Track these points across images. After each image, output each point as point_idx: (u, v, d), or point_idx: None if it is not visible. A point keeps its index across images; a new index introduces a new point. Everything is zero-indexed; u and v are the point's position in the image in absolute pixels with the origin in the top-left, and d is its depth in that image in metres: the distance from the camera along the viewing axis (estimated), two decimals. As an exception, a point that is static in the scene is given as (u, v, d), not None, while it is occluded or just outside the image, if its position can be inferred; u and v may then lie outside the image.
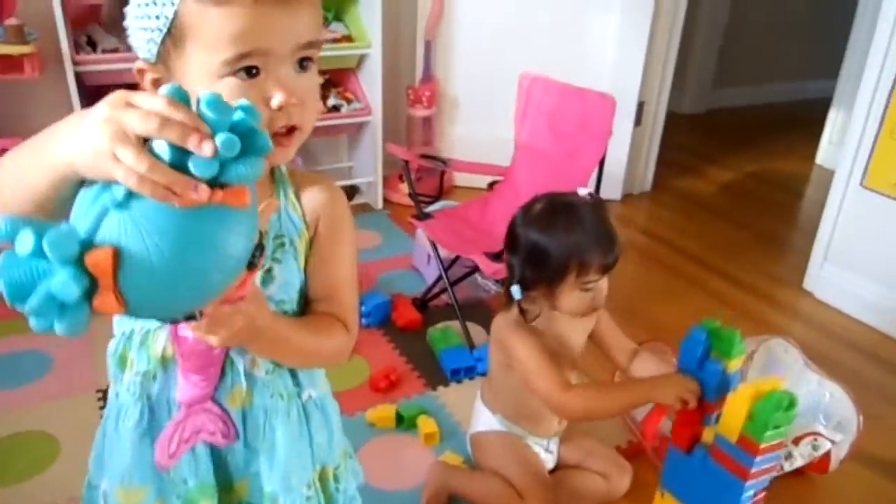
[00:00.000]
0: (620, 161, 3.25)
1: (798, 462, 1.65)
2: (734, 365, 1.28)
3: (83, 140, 0.56)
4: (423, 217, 2.30)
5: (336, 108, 2.91)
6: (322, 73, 2.95)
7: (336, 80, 3.00)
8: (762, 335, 1.91)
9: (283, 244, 0.83)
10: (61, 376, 1.96)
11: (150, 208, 0.55)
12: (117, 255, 0.54)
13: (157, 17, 0.70)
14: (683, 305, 2.49)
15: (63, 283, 0.52)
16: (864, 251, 2.40)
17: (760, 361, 1.84)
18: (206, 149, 0.53)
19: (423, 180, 3.14)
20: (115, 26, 2.52)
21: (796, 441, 1.65)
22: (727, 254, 2.90)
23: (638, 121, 3.27)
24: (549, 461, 1.59)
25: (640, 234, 3.11)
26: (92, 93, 2.65)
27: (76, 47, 2.39)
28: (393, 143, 2.47)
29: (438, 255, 2.26)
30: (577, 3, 3.06)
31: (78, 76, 2.35)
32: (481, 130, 3.22)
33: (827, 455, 1.68)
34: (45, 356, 2.03)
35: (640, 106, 3.24)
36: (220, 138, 0.54)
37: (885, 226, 2.30)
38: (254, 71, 0.71)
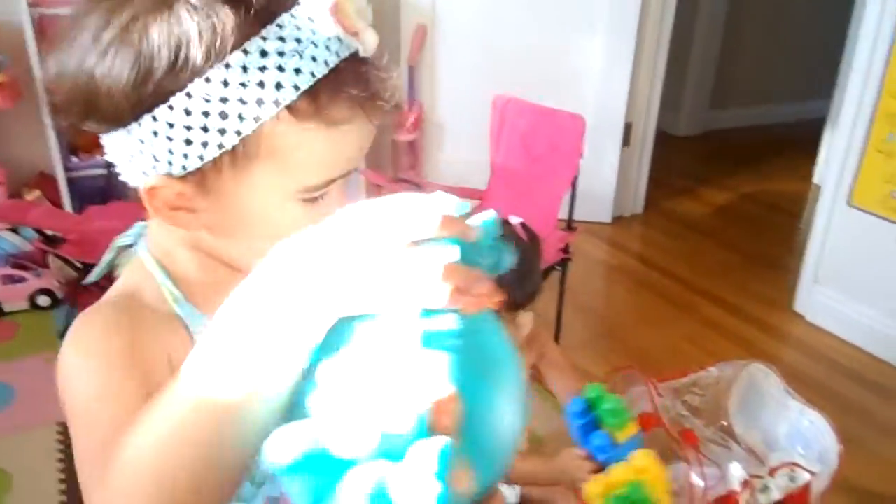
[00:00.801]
0: (609, 182, 3.20)
1: (775, 495, 1.57)
2: (624, 434, 1.22)
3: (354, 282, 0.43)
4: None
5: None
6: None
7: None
8: (742, 360, 1.84)
9: None
10: (22, 409, 1.93)
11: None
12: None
13: (222, 132, 0.53)
14: (671, 331, 2.42)
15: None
16: (853, 272, 2.32)
17: (741, 388, 1.78)
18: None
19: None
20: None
21: (772, 472, 1.58)
22: (718, 277, 2.83)
23: (626, 141, 3.22)
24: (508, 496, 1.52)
25: (629, 257, 3.05)
26: (69, 122, 2.65)
27: (51, 76, 2.39)
28: (375, 169, 2.45)
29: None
30: (562, 25, 3.04)
31: (52, 105, 2.35)
32: (468, 155, 3.19)
33: (807, 487, 1.60)
34: (7, 388, 2.00)
35: (628, 126, 3.20)
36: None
37: (871, 245, 2.23)
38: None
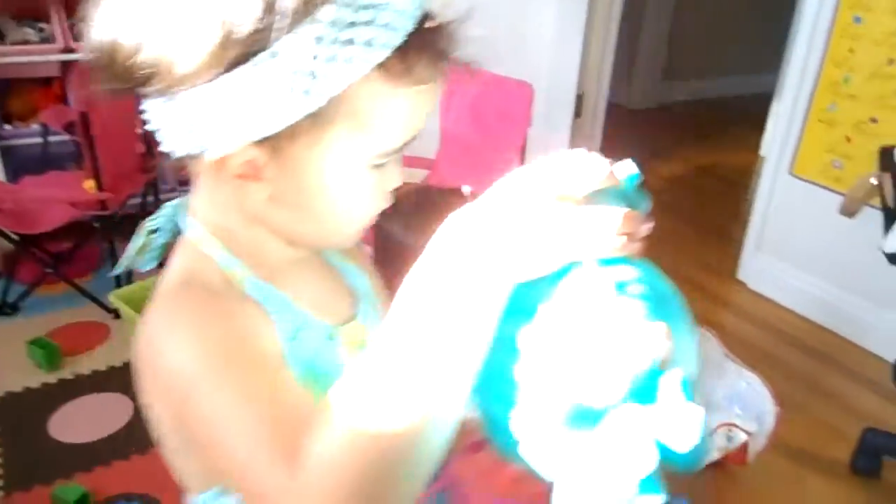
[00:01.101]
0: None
1: (713, 454, 1.62)
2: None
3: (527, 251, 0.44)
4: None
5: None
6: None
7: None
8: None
9: None
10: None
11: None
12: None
13: (307, 94, 0.49)
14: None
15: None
16: (794, 240, 2.38)
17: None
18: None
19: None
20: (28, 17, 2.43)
21: (710, 433, 1.62)
22: (667, 246, 2.84)
23: (578, 113, 3.23)
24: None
25: (580, 228, 3.07)
26: (1, 87, 2.55)
27: (-20, 39, 2.29)
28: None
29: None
30: (513, -6, 3.01)
31: (-18, 69, 2.25)
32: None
33: (744, 446, 1.65)
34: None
35: (580, 98, 3.20)
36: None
37: (812, 214, 2.28)
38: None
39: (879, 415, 1.88)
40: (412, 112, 0.54)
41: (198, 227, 0.59)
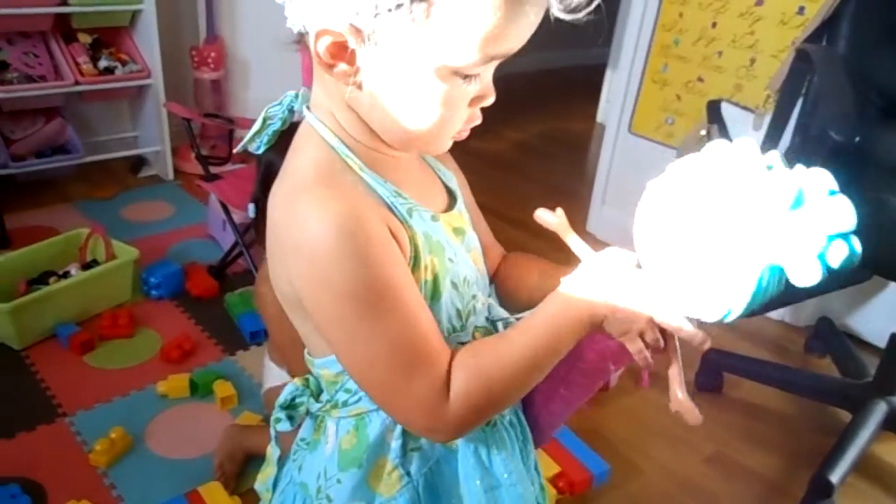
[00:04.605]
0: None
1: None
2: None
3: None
4: (210, 178, 2.19)
5: (109, 71, 2.67)
6: (90, 31, 2.70)
7: (107, 40, 2.75)
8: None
9: None
10: None
11: None
12: None
13: None
14: (481, 254, 2.58)
15: None
16: (634, 192, 2.60)
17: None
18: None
19: (218, 147, 2.99)
20: None
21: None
22: (519, 205, 3.04)
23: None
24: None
25: (440, 192, 3.18)
26: None
27: None
28: (176, 103, 2.32)
29: (232, 219, 2.16)
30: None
31: None
32: (278, 94, 3.10)
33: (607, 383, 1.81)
34: None
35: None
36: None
37: (649, 167, 2.49)
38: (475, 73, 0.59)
39: (718, 340, 2.14)
40: (510, 24, 0.56)
41: (316, 117, 0.64)
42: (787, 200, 0.49)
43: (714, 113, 1.97)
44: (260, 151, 0.68)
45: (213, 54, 2.97)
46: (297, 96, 0.67)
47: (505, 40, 0.57)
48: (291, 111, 0.67)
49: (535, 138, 3.98)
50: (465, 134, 0.66)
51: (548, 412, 0.78)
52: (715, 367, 1.92)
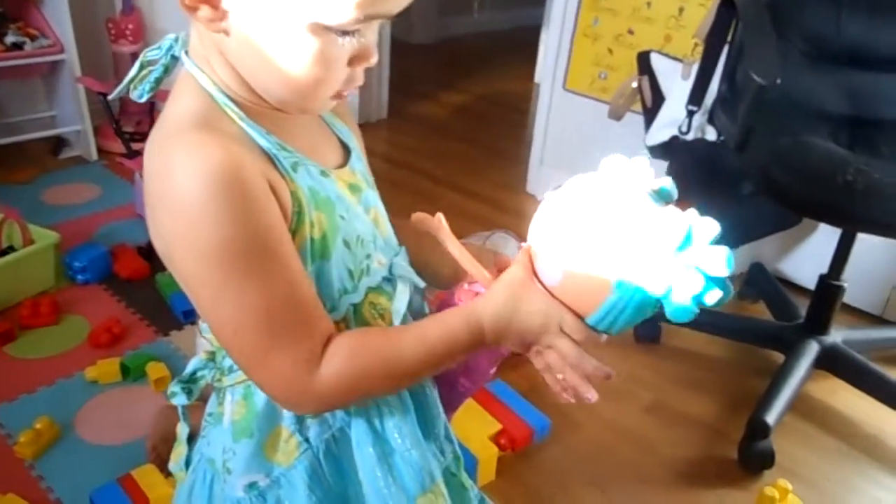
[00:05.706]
0: (352, 91, 3.21)
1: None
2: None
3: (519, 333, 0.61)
4: (133, 155, 2.10)
5: (18, 46, 2.52)
6: (-8, 4, 2.54)
7: (13, 13, 2.59)
8: (487, 231, 2.02)
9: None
10: None
11: None
12: None
13: None
14: (421, 220, 2.55)
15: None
16: (572, 150, 2.62)
17: (488, 257, 1.95)
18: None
19: (143, 123, 2.86)
20: None
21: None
22: (460, 169, 3.02)
23: (364, 47, 3.24)
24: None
25: (378, 160, 3.11)
26: None
27: None
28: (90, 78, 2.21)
29: (158, 196, 2.08)
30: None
31: None
32: (201, 66, 3.00)
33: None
34: None
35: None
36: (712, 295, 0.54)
37: (584, 123, 2.52)
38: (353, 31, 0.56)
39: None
40: None
41: (194, 63, 0.59)
42: (676, 241, 0.52)
43: (644, 64, 1.96)
44: (143, 100, 0.63)
45: (130, 26, 2.83)
46: (177, 39, 0.62)
47: (383, 1, 0.55)
48: (176, 57, 0.62)
49: (475, 101, 3.94)
50: (346, 95, 0.63)
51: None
52: (652, 318, 1.94)
